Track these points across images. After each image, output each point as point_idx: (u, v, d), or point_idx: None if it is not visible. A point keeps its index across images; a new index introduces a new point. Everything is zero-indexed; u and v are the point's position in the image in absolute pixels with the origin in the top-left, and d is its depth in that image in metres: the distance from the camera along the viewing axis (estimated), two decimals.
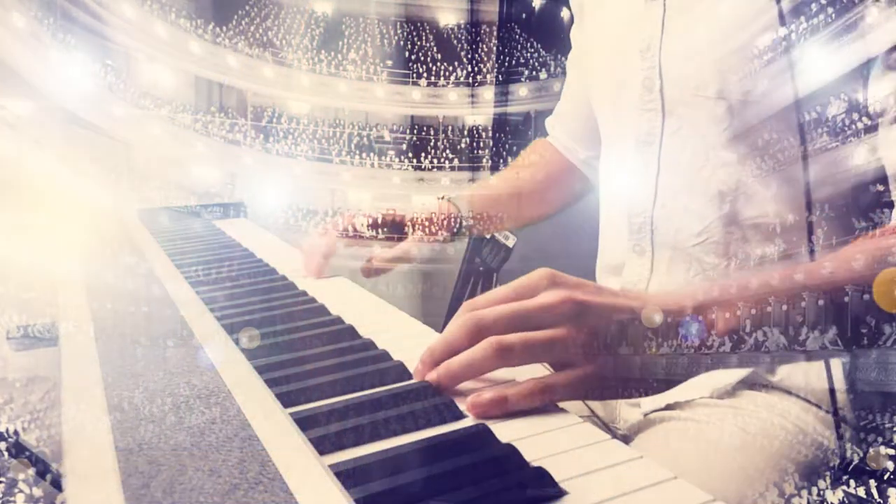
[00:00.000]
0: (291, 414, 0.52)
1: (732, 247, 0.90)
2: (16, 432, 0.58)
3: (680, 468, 0.46)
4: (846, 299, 0.64)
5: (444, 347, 0.58)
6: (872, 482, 0.63)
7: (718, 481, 0.75)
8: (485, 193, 1.16)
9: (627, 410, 0.97)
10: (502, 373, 0.59)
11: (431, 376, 0.58)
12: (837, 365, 0.88)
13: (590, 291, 0.59)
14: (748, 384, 0.89)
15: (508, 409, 0.54)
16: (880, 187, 0.79)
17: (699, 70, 0.88)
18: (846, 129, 0.82)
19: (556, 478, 0.45)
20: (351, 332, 0.73)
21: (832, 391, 0.84)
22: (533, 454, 0.48)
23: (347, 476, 0.44)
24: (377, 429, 0.51)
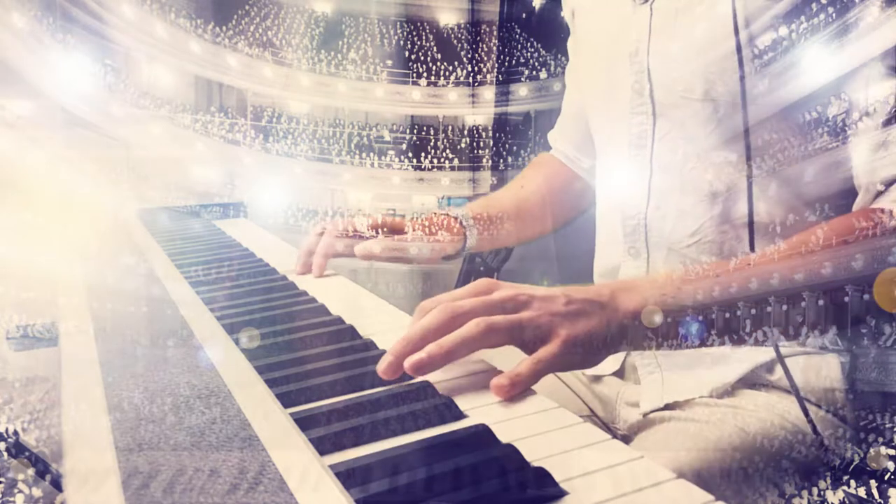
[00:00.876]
0: (291, 414, 0.52)
1: (727, 246, 0.90)
2: (15, 432, 0.58)
3: (680, 468, 0.46)
4: (846, 299, 0.64)
5: (423, 335, 0.61)
6: (873, 482, 0.63)
7: (718, 481, 0.75)
8: (489, 212, 1.14)
9: (627, 410, 0.97)
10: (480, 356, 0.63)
11: (420, 355, 0.59)
12: (837, 365, 0.88)
13: (529, 287, 0.66)
14: (748, 384, 0.89)
15: (524, 388, 0.59)
16: (880, 187, 0.79)
17: (685, 73, 0.90)
18: (839, 129, 0.82)
19: (557, 478, 0.45)
20: (351, 332, 0.73)
21: (836, 391, 0.84)
22: (533, 454, 0.48)
23: (347, 476, 0.44)
24: (377, 429, 0.51)
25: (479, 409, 0.56)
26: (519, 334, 0.62)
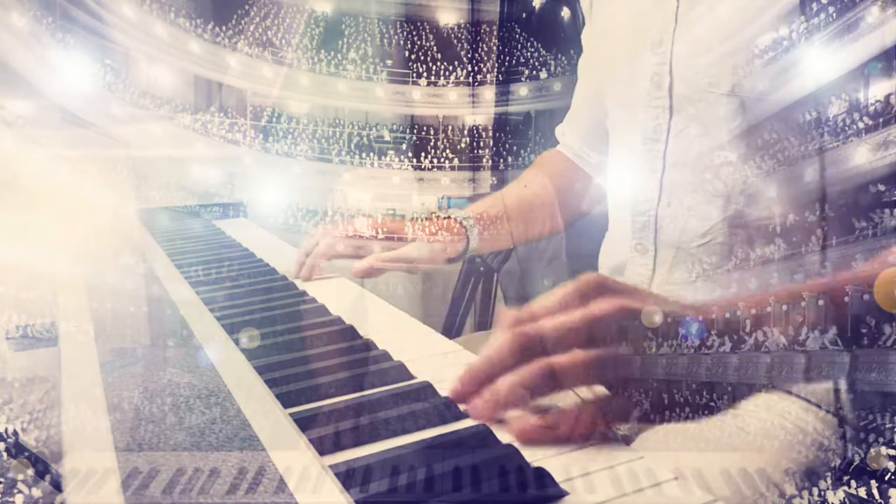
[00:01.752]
0: (291, 414, 0.52)
1: (735, 248, 0.90)
2: (15, 432, 0.58)
3: (680, 468, 0.45)
4: (846, 299, 0.64)
5: (486, 366, 0.53)
6: (874, 483, 0.63)
7: (718, 481, 0.75)
8: (491, 213, 1.11)
9: None
10: None
11: (476, 404, 0.53)
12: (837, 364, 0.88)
13: (643, 298, 0.55)
14: (748, 384, 0.89)
15: (558, 442, 0.50)
16: (881, 187, 0.79)
17: (713, 65, 0.86)
18: (847, 128, 0.82)
19: (557, 478, 0.45)
20: (351, 332, 0.73)
21: (836, 391, 0.84)
22: (533, 454, 0.48)
23: (347, 476, 0.44)
24: (377, 429, 0.51)
25: None
26: (593, 377, 0.52)
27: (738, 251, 0.89)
